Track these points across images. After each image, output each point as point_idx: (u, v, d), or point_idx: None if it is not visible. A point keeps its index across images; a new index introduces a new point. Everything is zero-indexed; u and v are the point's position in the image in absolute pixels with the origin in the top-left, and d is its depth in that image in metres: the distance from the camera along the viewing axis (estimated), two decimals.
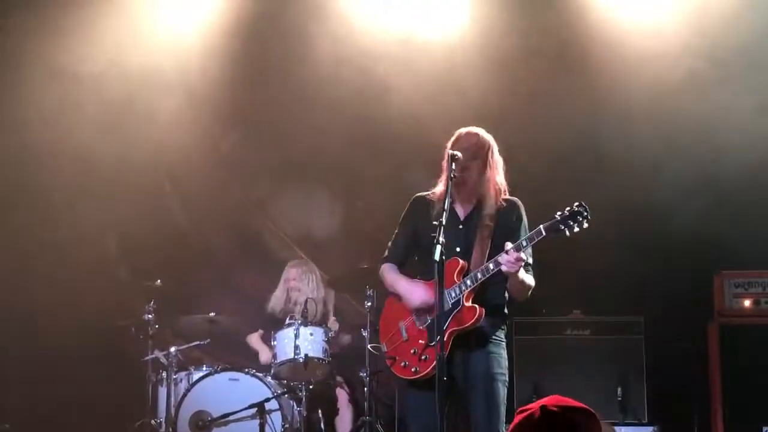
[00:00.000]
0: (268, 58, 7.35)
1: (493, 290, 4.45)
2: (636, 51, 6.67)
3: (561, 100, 6.84)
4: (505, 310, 4.56)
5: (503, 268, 4.26)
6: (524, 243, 4.29)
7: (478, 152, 4.46)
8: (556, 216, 4.26)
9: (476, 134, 4.51)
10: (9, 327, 6.85)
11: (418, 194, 4.69)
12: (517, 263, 4.25)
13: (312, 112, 7.32)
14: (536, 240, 4.27)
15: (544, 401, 2.18)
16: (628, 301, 6.45)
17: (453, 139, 4.51)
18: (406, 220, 4.69)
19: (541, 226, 4.28)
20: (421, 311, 4.48)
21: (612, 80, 6.73)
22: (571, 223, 4.23)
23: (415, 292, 4.51)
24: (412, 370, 4.46)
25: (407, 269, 4.70)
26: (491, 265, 4.32)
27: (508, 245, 4.28)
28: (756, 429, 5.68)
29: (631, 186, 6.76)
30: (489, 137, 4.53)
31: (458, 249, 4.43)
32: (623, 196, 6.72)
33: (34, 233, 7.28)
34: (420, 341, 4.46)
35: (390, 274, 4.66)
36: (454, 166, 4.28)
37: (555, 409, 2.13)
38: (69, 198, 7.33)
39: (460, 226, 4.49)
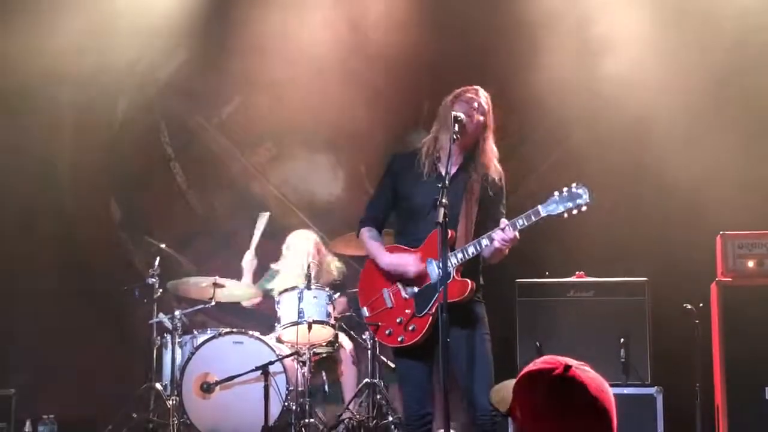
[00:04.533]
0: (268, 21, 7.30)
1: (472, 260, 4.43)
2: None
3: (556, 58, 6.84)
4: (480, 278, 4.52)
5: (496, 244, 4.23)
6: (521, 222, 4.23)
7: (483, 111, 4.44)
8: (554, 195, 4.22)
9: (484, 93, 4.49)
10: (14, 291, 6.86)
11: (397, 152, 4.70)
12: (513, 242, 4.22)
13: (313, 76, 7.29)
14: (534, 220, 4.22)
15: (554, 362, 2.15)
16: (632, 263, 6.45)
17: (455, 94, 4.47)
18: (385, 179, 4.63)
19: (539, 206, 4.23)
20: (410, 280, 4.45)
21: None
22: (570, 206, 4.19)
23: (408, 265, 4.42)
24: (399, 339, 4.45)
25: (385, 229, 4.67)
26: (485, 241, 4.27)
27: (504, 222, 4.24)
28: (758, 390, 5.69)
29: (634, 144, 6.76)
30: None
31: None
32: (626, 156, 6.72)
33: (37, 197, 7.29)
34: (406, 311, 4.43)
35: (371, 243, 4.59)
36: (456, 128, 4.25)
37: (581, 369, 2.11)
38: (71, 162, 7.33)
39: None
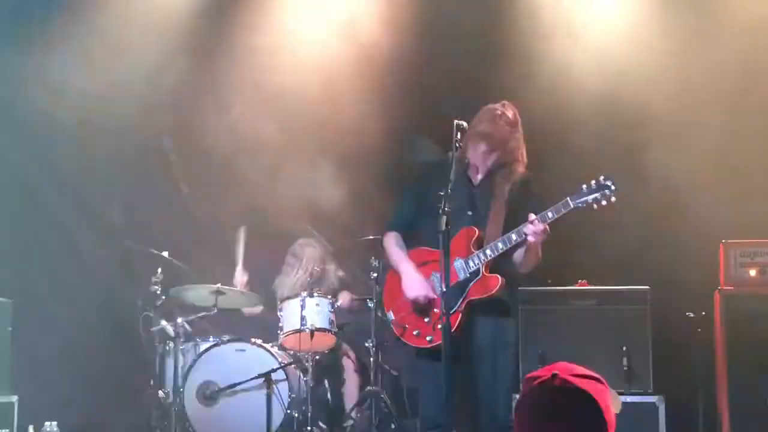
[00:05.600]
0: (273, 26, 7.33)
1: (503, 260, 4.46)
2: None
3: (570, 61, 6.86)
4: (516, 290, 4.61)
5: (530, 238, 4.24)
6: (550, 214, 4.26)
7: (516, 124, 4.50)
8: (582, 188, 4.24)
9: (511, 106, 4.54)
10: (16, 296, 6.87)
11: (429, 161, 4.73)
12: (543, 234, 4.24)
13: (318, 84, 7.30)
14: (563, 212, 4.25)
15: (553, 368, 2.16)
16: (634, 271, 6.45)
17: (489, 113, 4.52)
18: (416, 187, 4.69)
19: (568, 198, 4.25)
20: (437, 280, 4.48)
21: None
22: (599, 197, 4.22)
23: (411, 286, 4.47)
24: (427, 338, 4.45)
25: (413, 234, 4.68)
26: (514, 236, 4.30)
27: (532, 216, 4.27)
28: (761, 398, 5.69)
29: (635, 151, 6.77)
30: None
31: (469, 212, 4.43)
32: (627, 163, 6.72)
33: (40, 202, 7.30)
34: (434, 310, 4.44)
35: (394, 250, 4.64)
36: (459, 136, 4.30)
37: (568, 376, 2.12)
38: (74, 167, 7.34)
39: (474, 190, 4.49)
